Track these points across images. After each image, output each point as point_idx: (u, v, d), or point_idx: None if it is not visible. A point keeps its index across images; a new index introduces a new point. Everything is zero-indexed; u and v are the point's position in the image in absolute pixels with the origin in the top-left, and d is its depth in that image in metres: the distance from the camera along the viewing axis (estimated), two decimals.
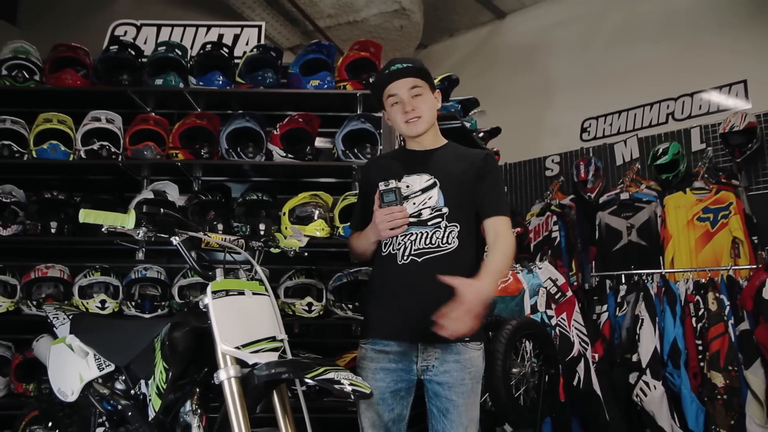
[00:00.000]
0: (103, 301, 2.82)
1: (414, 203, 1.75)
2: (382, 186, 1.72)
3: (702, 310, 3.17)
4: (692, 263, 3.64)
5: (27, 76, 3.01)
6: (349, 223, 2.81)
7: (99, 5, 5.54)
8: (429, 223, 1.74)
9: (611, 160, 4.66)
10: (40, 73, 3.05)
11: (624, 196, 4.06)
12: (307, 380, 1.34)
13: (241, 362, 1.47)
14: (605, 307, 3.48)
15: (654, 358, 3.13)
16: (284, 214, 2.90)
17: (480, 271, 1.63)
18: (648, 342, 3.16)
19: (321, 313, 2.82)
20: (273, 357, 1.51)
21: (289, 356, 1.55)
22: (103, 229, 1.41)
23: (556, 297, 3.04)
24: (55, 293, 2.93)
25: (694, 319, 3.19)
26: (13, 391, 2.76)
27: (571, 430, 3.00)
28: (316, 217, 2.89)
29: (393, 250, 1.75)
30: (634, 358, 3.21)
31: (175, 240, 1.51)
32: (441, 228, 1.73)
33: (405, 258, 1.72)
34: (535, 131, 5.26)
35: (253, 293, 1.57)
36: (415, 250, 1.72)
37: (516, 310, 2.82)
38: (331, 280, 2.90)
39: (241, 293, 1.54)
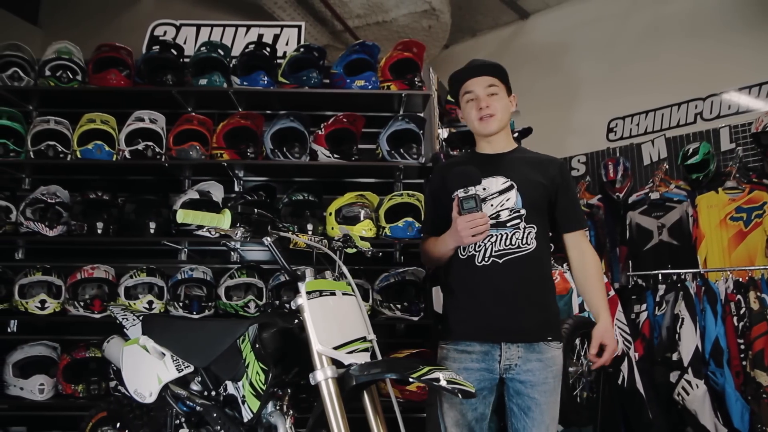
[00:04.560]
0: (150, 302, 2.82)
1: (492, 205, 1.75)
2: (461, 193, 1.67)
3: (743, 309, 3.17)
4: (725, 262, 3.64)
5: (71, 76, 3.00)
6: (396, 224, 2.85)
7: (122, 5, 5.53)
8: (508, 225, 1.74)
9: (638, 160, 4.66)
10: (82, 74, 3.05)
11: (654, 195, 4.03)
12: (411, 380, 1.34)
13: (335, 362, 1.47)
14: (644, 306, 3.47)
15: (696, 357, 3.12)
16: (330, 214, 2.89)
17: (597, 311, 1.81)
18: (689, 341, 3.16)
19: (368, 313, 2.82)
20: (366, 357, 1.51)
21: (379, 356, 1.55)
22: (203, 230, 1.41)
23: None
24: (100, 294, 2.91)
25: (735, 318, 3.20)
26: (62, 392, 2.75)
27: (618, 428, 3.01)
28: (362, 218, 2.89)
29: (471, 251, 1.75)
30: (675, 357, 3.21)
31: (267, 240, 1.50)
32: (520, 229, 1.74)
33: (486, 260, 1.73)
34: (560, 131, 5.25)
35: (343, 293, 1.57)
36: (495, 251, 1.72)
37: (564, 310, 2.81)
38: (378, 280, 2.90)
39: (332, 294, 1.54)
